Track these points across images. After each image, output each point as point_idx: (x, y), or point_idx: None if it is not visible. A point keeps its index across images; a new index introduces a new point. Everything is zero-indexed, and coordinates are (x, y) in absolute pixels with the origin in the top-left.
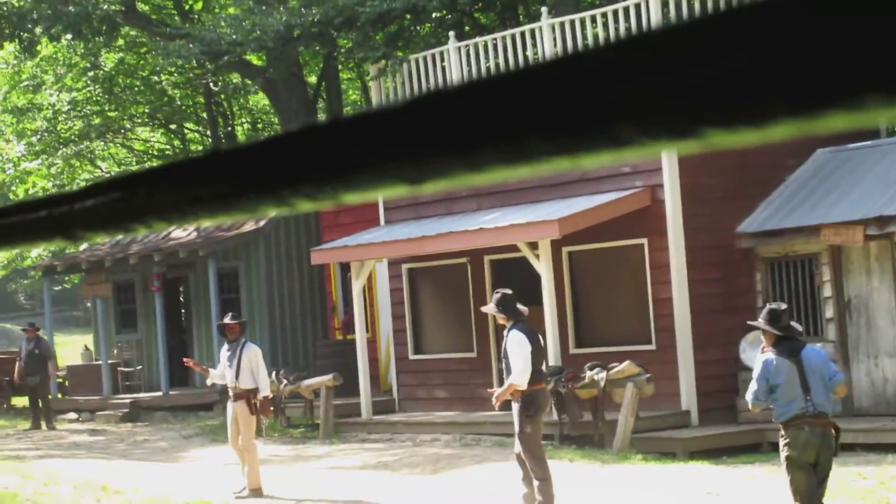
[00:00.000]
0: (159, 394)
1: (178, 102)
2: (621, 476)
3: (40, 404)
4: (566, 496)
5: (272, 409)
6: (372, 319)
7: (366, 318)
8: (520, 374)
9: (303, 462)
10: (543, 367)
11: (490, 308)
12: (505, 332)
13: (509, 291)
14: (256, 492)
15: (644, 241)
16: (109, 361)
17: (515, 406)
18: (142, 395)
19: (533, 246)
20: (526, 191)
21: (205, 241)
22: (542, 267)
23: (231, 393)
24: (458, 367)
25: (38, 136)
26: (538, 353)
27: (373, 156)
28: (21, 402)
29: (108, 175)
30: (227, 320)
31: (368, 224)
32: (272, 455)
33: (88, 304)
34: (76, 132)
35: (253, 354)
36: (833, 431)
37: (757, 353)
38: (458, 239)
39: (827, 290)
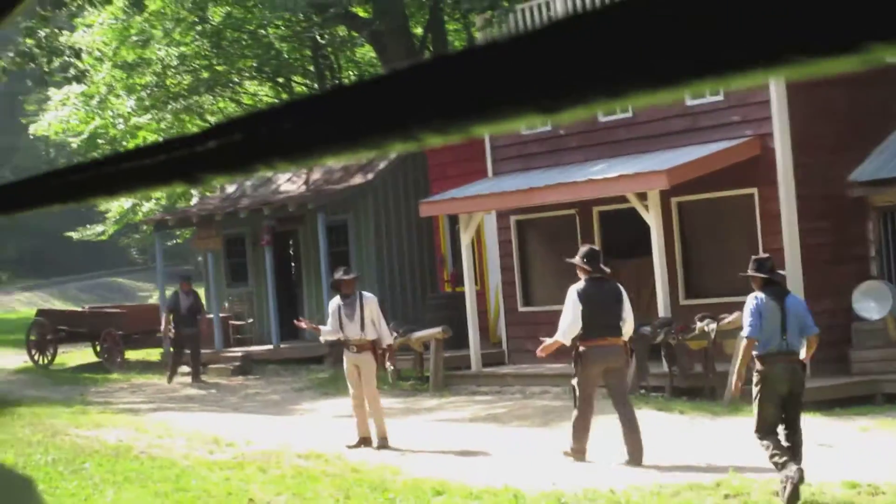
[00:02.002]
0: (270, 347)
1: (286, 56)
2: (733, 428)
3: (186, 356)
4: (677, 448)
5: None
6: (481, 272)
7: (474, 270)
8: (563, 333)
9: (413, 415)
10: (623, 324)
11: (576, 260)
12: None
13: (596, 248)
14: (384, 440)
15: (754, 190)
16: (221, 315)
17: None
18: (253, 348)
19: (642, 196)
20: (634, 141)
21: (314, 195)
22: (651, 218)
23: (354, 346)
24: None
25: (148, 91)
26: (602, 310)
27: (506, 85)
28: (136, 355)
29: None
30: (342, 276)
31: (477, 176)
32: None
33: (199, 259)
34: (185, 87)
35: (374, 305)
36: (802, 368)
37: (865, 303)
38: (566, 190)
39: None
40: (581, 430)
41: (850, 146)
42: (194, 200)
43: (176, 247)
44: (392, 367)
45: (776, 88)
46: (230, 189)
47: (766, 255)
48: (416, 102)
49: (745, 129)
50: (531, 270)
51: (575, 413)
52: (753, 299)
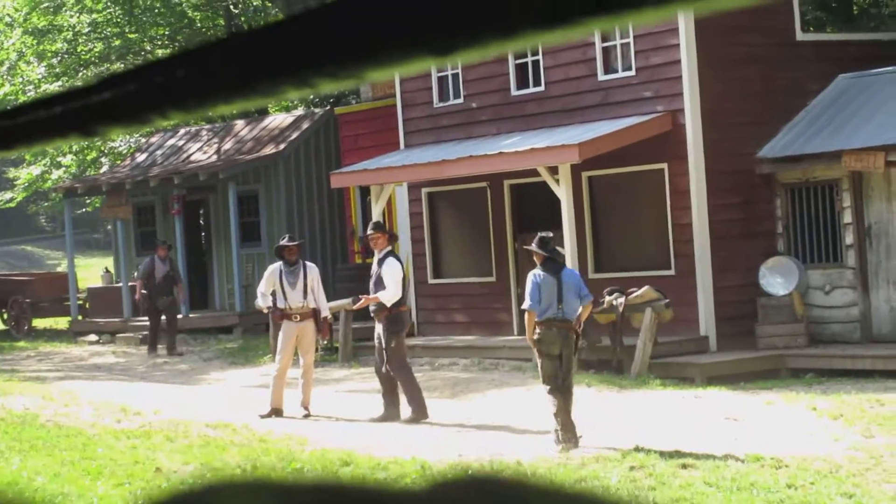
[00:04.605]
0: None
1: (199, 24)
2: (639, 401)
3: (163, 326)
4: (584, 421)
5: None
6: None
7: None
8: (391, 298)
9: (322, 385)
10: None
11: (371, 232)
12: (378, 257)
13: (380, 221)
14: (308, 410)
15: (664, 165)
16: (129, 283)
17: (380, 326)
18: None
19: (553, 170)
20: (546, 115)
21: (225, 164)
22: (562, 191)
23: (297, 315)
24: (478, 291)
25: (59, 58)
26: (404, 280)
27: (398, 27)
28: (43, 323)
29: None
30: (286, 242)
31: (389, 148)
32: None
33: (109, 227)
34: (96, 54)
35: (316, 274)
36: (574, 335)
37: (772, 278)
38: (477, 163)
39: (847, 217)
40: (415, 392)
41: (761, 123)
42: (104, 168)
43: (85, 214)
44: (325, 340)
45: (688, 65)
46: (141, 158)
47: (549, 234)
48: (308, 48)
49: (656, 104)
50: (442, 243)
51: (400, 380)
52: (533, 276)
